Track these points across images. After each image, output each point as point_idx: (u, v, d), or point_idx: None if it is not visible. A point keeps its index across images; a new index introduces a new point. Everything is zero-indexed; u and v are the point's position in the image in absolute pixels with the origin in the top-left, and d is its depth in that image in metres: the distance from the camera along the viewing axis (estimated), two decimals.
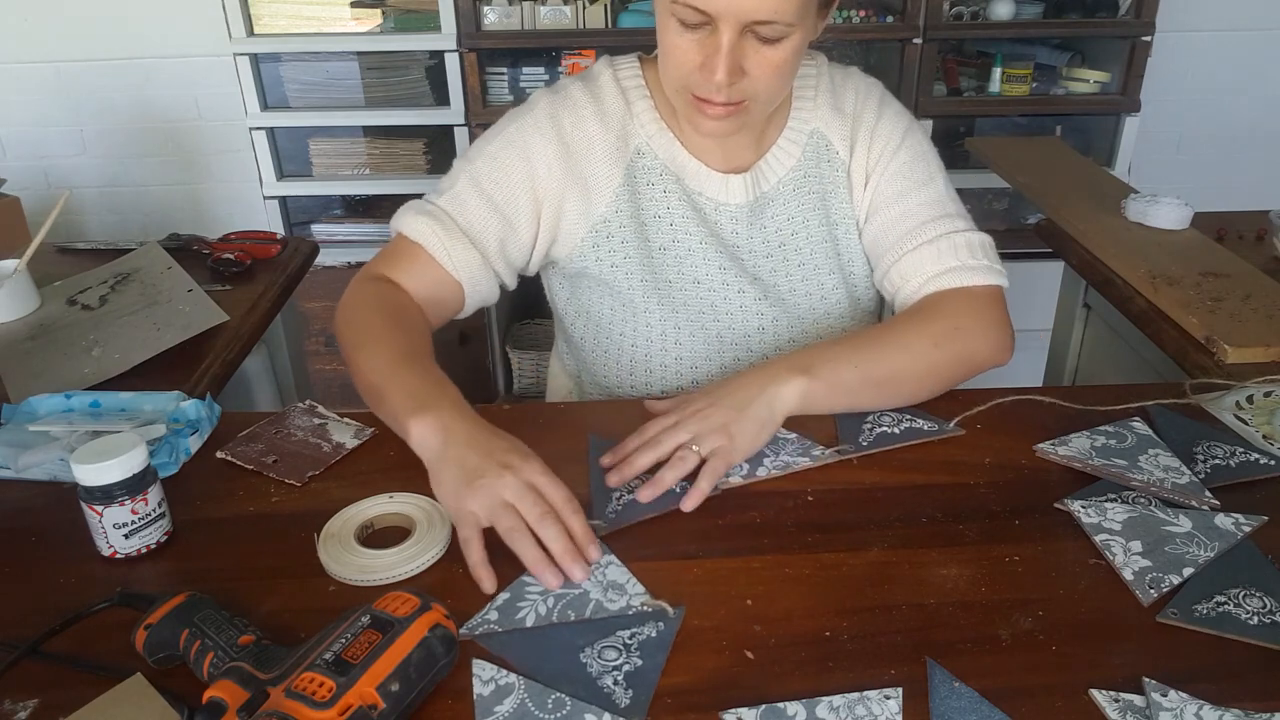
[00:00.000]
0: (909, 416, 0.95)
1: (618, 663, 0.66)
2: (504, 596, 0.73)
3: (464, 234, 1.03)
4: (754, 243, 1.09)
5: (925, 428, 0.93)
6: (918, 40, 2.51)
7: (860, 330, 1.08)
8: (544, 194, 1.04)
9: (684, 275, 1.07)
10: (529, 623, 0.70)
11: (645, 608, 0.71)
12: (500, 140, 1.05)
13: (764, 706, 0.63)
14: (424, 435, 0.81)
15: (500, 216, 1.04)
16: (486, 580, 0.73)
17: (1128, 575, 0.75)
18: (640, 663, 0.66)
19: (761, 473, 0.87)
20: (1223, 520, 0.81)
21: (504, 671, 0.65)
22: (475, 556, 0.74)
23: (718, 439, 0.85)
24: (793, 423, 0.93)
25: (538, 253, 1.09)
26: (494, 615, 0.71)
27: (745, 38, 0.90)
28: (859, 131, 1.09)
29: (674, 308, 1.07)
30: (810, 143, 1.09)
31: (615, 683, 0.64)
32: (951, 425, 0.94)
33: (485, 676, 0.65)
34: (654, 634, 0.69)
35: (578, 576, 0.73)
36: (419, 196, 1.07)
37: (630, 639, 0.68)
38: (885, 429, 0.93)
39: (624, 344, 1.09)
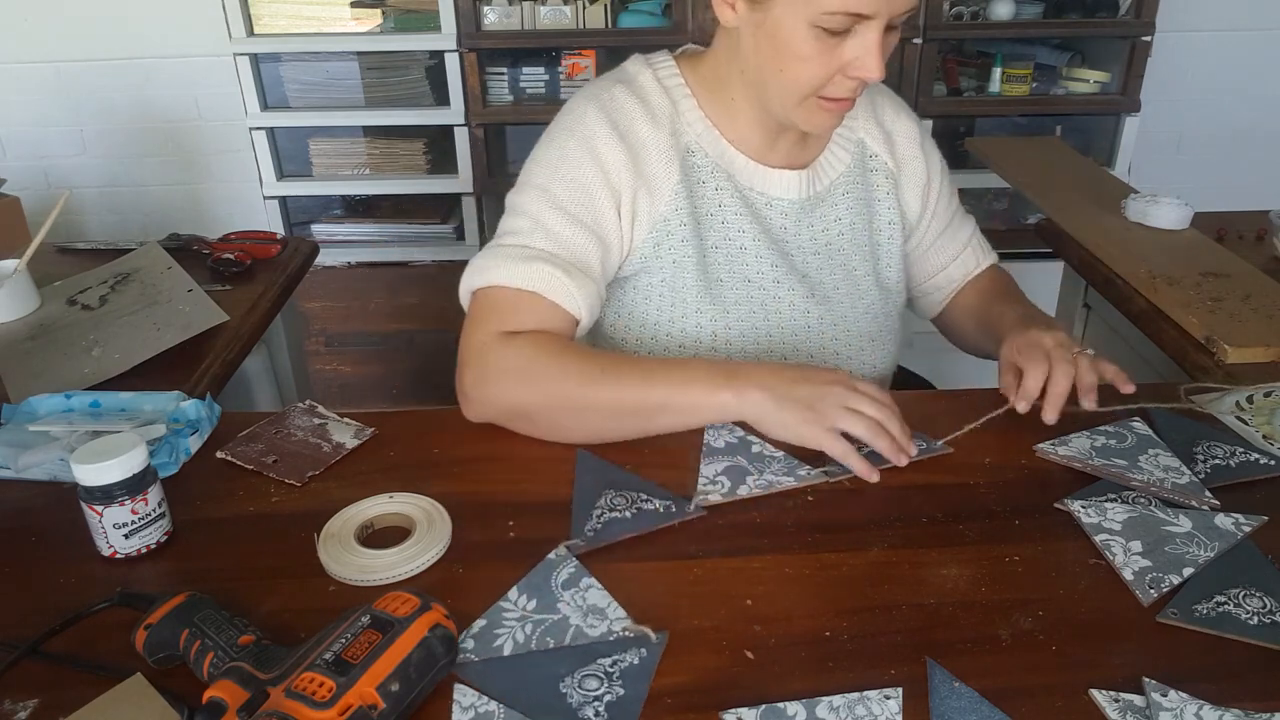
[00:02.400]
0: None
1: (599, 692, 0.65)
2: (480, 624, 0.71)
3: (579, 269, 0.99)
4: (801, 239, 1.09)
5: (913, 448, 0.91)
6: (918, 40, 2.51)
7: (1001, 297, 1.20)
8: (622, 201, 1.02)
9: (734, 274, 1.07)
10: (507, 650, 0.69)
11: (627, 633, 0.70)
12: (570, 162, 1.01)
13: (764, 706, 0.63)
14: (748, 399, 0.91)
15: (598, 240, 1.01)
16: (872, 471, 0.87)
17: (1128, 575, 0.75)
18: (623, 692, 0.65)
19: (743, 491, 0.85)
20: (1223, 520, 0.81)
21: (484, 699, 0.64)
22: (855, 461, 0.87)
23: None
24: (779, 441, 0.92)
25: (623, 262, 1.07)
26: (470, 644, 0.69)
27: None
28: (908, 152, 1.15)
29: (725, 307, 1.06)
30: (857, 150, 1.13)
31: (596, 714, 0.63)
32: (939, 444, 0.92)
33: (465, 703, 0.64)
34: (636, 661, 0.67)
35: (913, 452, 0.89)
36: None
37: (612, 667, 0.67)
38: (872, 450, 0.90)
39: (671, 345, 1.07)
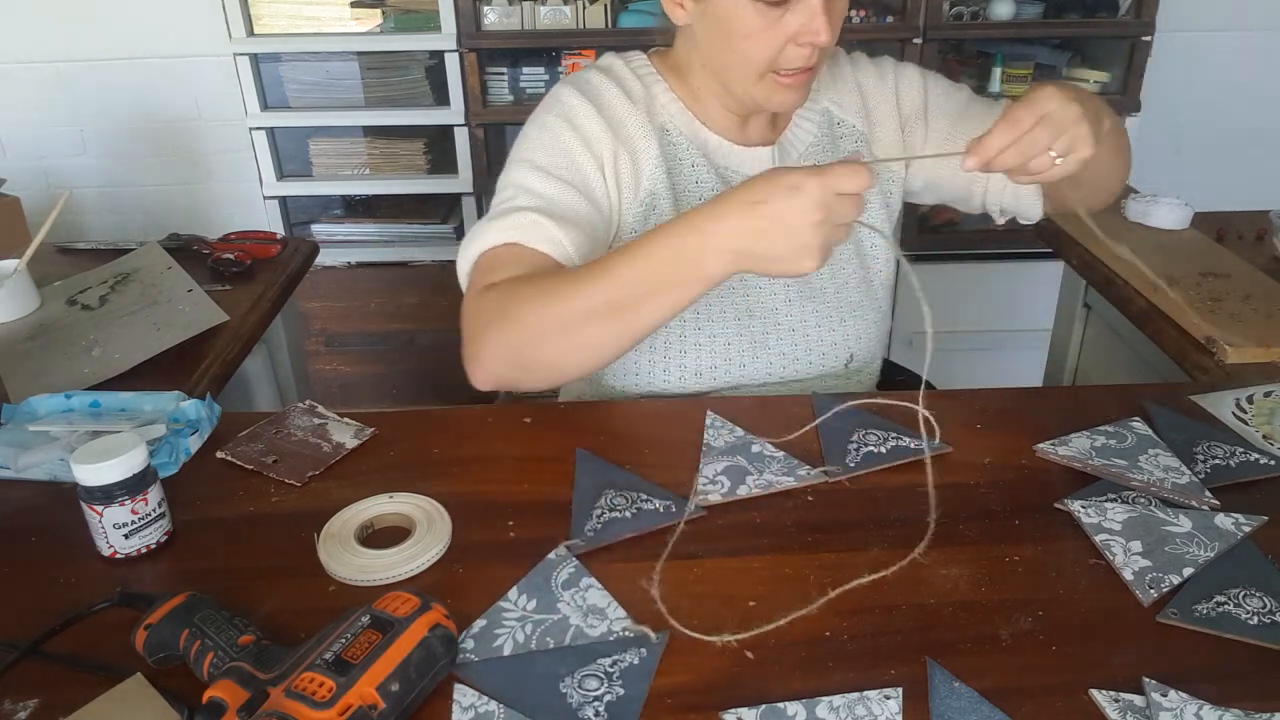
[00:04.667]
0: (895, 435, 0.93)
1: (599, 692, 0.65)
2: (480, 624, 0.71)
3: (563, 217, 0.97)
4: None
5: (912, 446, 0.91)
6: (918, 40, 2.51)
7: None
8: (605, 164, 1.04)
9: None
10: (507, 650, 0.69)
11: (627, 633, 0.70)
12: (549, 132, 1.04)
13: (764, 706, 0.63)
14: (724, 255, 0.80)
15: (583, 195, 1.01)
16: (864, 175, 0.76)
17: (1128, 575, 0.75)
18: (622, 692, 0.65)
19: (743, 491, 0.86)
20: (1223, 520, 0.81)
21: (484, 699, 0.64)
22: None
23: (1081, 134, 0.83)
24: (778, 440, 0.93)
25: (615, 235, 1.07)
26: (470, 644, 0.69)
27: None
28: (878, 96, 1.15)
29: None
30: (823, 119, 1.14)
31: (596, 714, 0.63)
32: (937, 442, 0.92)
33: (465, 703, 0.64)
34: (636, 661, 0.67)
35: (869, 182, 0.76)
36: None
37: (612, 667, 0.67)
38: (871, 448, 0.91)
39: (659, 332, 1.06)
